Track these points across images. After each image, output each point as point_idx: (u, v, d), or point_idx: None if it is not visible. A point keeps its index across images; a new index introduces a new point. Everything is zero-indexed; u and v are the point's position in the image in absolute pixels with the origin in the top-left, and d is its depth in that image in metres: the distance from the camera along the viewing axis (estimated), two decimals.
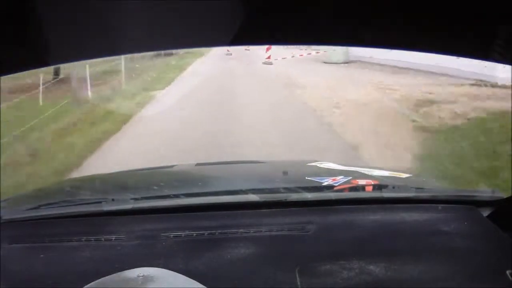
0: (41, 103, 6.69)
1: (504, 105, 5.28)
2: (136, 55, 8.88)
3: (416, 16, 0.63)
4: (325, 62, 11.53)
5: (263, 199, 1.15)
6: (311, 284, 0.85)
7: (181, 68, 11.55)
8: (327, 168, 1.52)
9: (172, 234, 1.02)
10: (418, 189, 1.28)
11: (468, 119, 5.06)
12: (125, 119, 5.61)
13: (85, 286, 0.79)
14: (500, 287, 0.84)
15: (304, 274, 0.87)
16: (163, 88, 8.46)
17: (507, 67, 0.70)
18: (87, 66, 7.17)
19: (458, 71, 7.52)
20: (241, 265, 0.92)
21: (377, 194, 1.22)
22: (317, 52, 12.36)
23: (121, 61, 8.95)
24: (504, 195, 1.16)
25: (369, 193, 1.24)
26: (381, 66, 9.84)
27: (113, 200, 1.17)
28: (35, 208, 1.17)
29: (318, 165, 1.56)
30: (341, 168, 1.52)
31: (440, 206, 1.14)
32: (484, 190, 1.22)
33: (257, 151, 3.98)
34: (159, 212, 1.13)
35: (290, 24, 0.64)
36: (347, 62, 11.40)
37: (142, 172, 1.78)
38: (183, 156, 3.69)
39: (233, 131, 4.78)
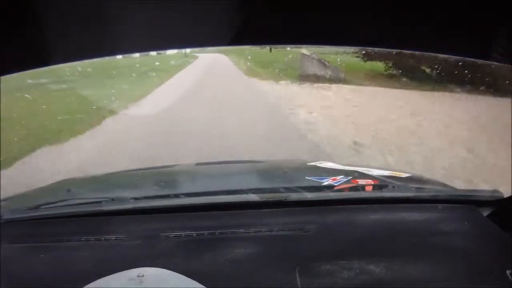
0: None
1: None
2: None
3: (417, 17, 0.63)
4: None
5: (263, 199, 1.15)
6: (311, 284, 0.85)
7: None
8: (327, 168, 1.52)
9: (172, 234, 1.02)
10: (418, 189, 1.28)
11: None
12: None
13: (85, 286, 0.79)
14: (500, 287, 0.84)
15: (304, 274, 0.87)
16: None
17: None
18: None
19: None
20: (241, 265, 0.92)
21: (377, 194, 1.22)
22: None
23: None
24: (504, 194, 1.16)
25: (369, 193, 1.24)
26: None
27: (113, 200, 1.17)
28: (35, 208, 1.17)
29: (318, 165, 1.56)
30: (341, 168, 1.52)
31: (440, 206, 1.14)
32: (484, 190, 1.22)
33: None
34: (159, 212, 1.12)
35: (290, 25, 0.64)
36: None
37: (142, 172, 1.78)
38: None
39: None
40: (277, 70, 10.50)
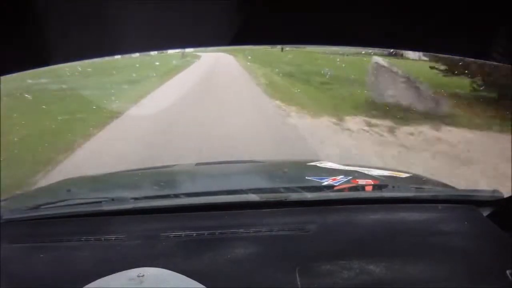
0: None
1: None
2: None
3: (416, 17, 0.63)
4: None
5: (263, 199, 1.15)
6: (311, 284, 0.85)
7: None
8: (327, 168, 1.52)
9: (172, 234, 1.03)
10: (418, 189, 1.28)
11: None
12: None
13: (85, 286, 0.79)
14: (500, 287, 0.84)
15: (304, 274, 0.87)
16: None
17: None
18: None
19: None
20: (241, 265, 0.92)
21: (377, 194, 1.22)
22: None
23: None
24: (504, 194, 1.16)
25: (369, 193, 1.24)
26: None
27: (113, 200, 1.17)
28: (35, 208, 1.17)
29: (318, 165, 1.56)
30: (341, 168, 1.52)
31: (440, 206, 1.14)
32: (484, 190, 1.22)
33: None
34: (159, 212, 1.13)
35: (290, 25, 0.64)
36: None
37: (142, 172, 1.78)
38: None
39: None
40: (313, 84, 6.41)
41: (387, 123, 4.99)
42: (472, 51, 0.72)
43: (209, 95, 6.84)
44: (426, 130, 4.82)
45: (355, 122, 5.14)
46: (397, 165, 3.79)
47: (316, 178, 1.31)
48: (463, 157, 4.14)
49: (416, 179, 1.51)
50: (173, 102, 6.42)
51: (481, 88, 6.18)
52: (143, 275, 0.81)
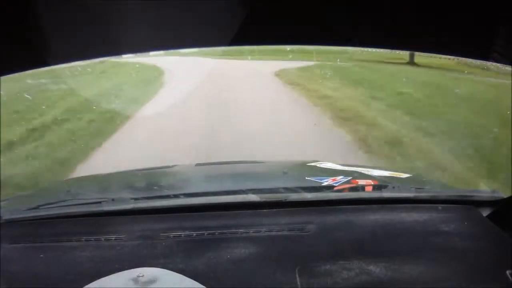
0: None
1: None
2: None
3: (416, 17, 0.63)
4: None
5: (263, 199, 1.15)
6: (311, 284, 0.85)
7: None
8: (327, 168, 1.52)
9: (172, 234, 1.03)
10: (418, 189, 1.28)
11: None
12: None
13: (85, 286, 0.79)
14: (500, 287, 0.84)
15: (304, 274, 0.87)
16: None
17: None
18: None
19: None
20: (241, 265, 0.92)
21: (377, 194, 1.22)
22: None
23: None
24: (504, 195, 1.16)
25: (369, 193, 1.24)
26: None
27: (113, 200, 1.17)
28: (35, 208, 1.17)
29: (318, 165, 1.56)
30: (341, 168, 1.52)
31: (440, 206, 1.14)
32: (484, 190, 1.22)
33: None
34: (159, 212, 1.13)
35: (290, 25, 0.64)
36: None
37: (142, 172, 1.78)
38: None
39: None
40: None
41: None
42: (472, 51, 0.72)
43: None
44: None
45: None
46: None
47: (316, 179, 1.31)
48: None
49: (416, 180, 1.51)
50: None
51: None
52: (143, 275, 0.81)
